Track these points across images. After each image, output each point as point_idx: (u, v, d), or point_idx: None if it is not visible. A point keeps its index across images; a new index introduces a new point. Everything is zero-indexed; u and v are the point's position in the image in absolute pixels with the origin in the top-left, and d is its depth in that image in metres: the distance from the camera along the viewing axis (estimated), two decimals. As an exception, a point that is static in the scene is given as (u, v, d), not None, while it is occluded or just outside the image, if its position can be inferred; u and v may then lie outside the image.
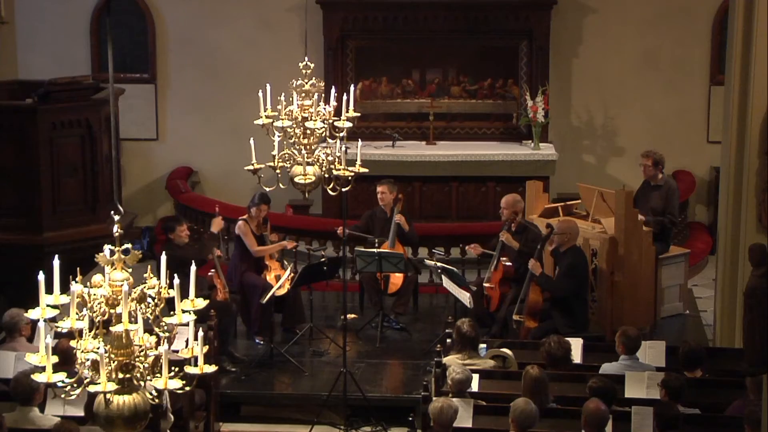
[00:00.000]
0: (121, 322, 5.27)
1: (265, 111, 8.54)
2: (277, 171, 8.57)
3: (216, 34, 15.37)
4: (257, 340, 11.65)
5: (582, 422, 7.83)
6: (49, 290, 5.38)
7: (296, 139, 8.48)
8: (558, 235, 11.11)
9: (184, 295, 5.46)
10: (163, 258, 5.55)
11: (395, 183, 12.42)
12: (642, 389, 8.80)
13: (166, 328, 5.43)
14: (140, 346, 5.38)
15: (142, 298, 5.38)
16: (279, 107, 8.45)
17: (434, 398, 8.28)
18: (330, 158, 8.58)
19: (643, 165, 12.28)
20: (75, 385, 5.41)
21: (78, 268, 5.45)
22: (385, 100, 15.37)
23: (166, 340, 5.41)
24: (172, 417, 8.54)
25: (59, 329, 5.34)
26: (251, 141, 8.47)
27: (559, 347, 9.12)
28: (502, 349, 9.57)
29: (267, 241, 11.82)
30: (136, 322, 5.34)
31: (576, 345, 9.48)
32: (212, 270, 11.25)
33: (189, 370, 5.53)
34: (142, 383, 5.41)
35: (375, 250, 11.67)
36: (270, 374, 11.10)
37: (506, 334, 11.06)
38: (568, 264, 10.96)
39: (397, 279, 12.12)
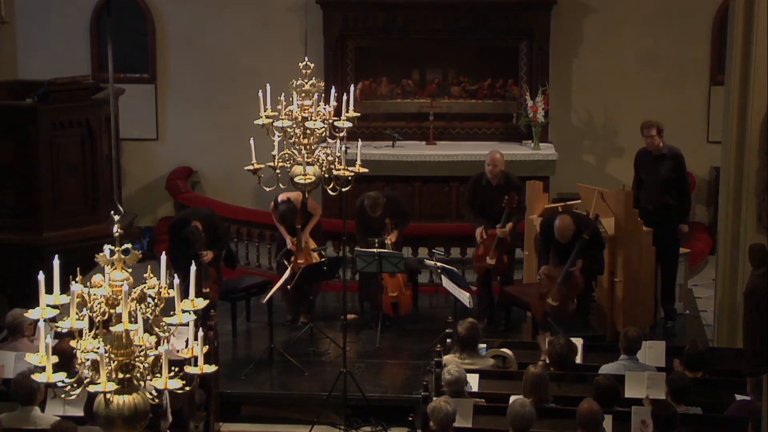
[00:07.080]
0: (121, 322, 5.27)
1: (265, 111, 8.53)
2: (277, 171, 8.57)
3: (216, 34, 15.36)
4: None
5: (578, 424, 7.82)
6: (49, 290, 5.38)
7: (296, 139, 8.47)
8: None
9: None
10: (163, 258, 5.55)
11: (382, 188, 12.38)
12: (642, 389, 8.80)
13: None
14: (140, 346, 5.39)
15: (142, 298, 5.38)
16: (279, 107, 8.45)
17: (435, 398, 8.28)
18: (330, 158, 8.58)
19: (647, 137, 12.00)
20: (75, 385, 5.41)
21: (78, 268, 5.46)
22: (385, 100, 15.36)
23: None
24: (170, 417, 8.54)
25: (59, 329, 5.34)
26: (251, 141, 8.46)
27: (566, 348, 9.11)
28: (502, 349, 9.57)
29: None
30: (136, 322, 5.34)
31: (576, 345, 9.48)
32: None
33: (189, 370, 5.53)
34: (142, 383, 5.42)
35: (375, 250, 11.66)
36: (270, 374, 11.10)
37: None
38: (597, 235, 11.08)
39: (406, 298, 12.12)
